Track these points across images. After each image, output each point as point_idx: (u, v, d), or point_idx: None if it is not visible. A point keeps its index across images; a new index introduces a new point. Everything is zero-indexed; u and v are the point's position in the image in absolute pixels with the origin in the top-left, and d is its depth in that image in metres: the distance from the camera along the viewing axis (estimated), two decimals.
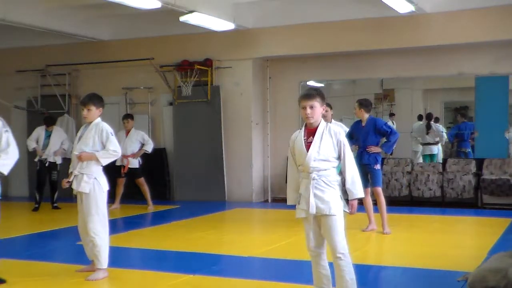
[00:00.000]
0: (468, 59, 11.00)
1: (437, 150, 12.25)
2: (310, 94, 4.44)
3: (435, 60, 11.18)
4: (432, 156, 12.24)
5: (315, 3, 11.05)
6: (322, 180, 4.34)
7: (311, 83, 12.52)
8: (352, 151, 5.04)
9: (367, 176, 7.77)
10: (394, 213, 8.56)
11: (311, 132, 4.45)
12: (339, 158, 4.41)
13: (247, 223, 9.91)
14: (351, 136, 7.83)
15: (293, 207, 4.56)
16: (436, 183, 10.79)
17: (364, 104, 8.03)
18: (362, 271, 5.28)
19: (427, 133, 12.12)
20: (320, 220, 4.36)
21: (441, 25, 10.49)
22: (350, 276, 4.31)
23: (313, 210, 4.31)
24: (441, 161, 11.75)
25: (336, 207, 4.34)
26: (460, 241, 7.86)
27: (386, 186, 10.78)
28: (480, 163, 10.94)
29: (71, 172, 5.75)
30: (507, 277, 4.34)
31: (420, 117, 12.41)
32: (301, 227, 8.60)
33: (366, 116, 7.97)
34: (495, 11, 10.16)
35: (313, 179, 4.32)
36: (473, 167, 10.92)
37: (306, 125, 4.50)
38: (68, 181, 5.73)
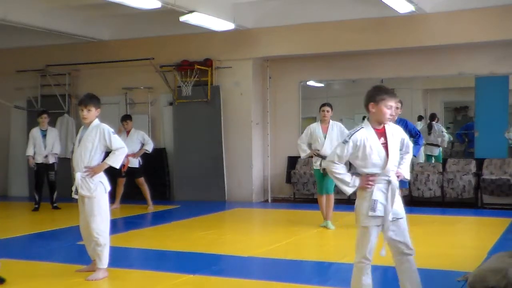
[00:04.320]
0: (468, 59, 11.00)
1: (438, 151, 12.21)
2: (394, 93, 4.20)
3: (435, 60, 11.18)
4: (435, 158, 12.20)
5: (315, 3, 11.05)
6: (395, 183, 4.17)
7: (311, 83, 12.53)
8: None
9: None
10: None
11: (380, 132, 4.18)
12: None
13: (247, 223, 9.91)
14: None
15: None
16: (436, 183, 10.79)
17: (401, 103, 8.10)
18: None
19: (429, 134, 12.11)
20: (391, 223, 4.18)
21: (441, 25, 10.49)
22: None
23: (389, 216, 4.12)
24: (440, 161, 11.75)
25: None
26: (460, 241, 7.87)
27: None
28: (480, 163, 10.93)
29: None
30: (507, 277, 4.35)
31: (420, 118, 12.39)
32: (301, 227, 8.67)
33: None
34: (495, 11, 10.16)
35: (393, 184, 4.14)
36: (473, 167, 10.92)
37: (369, 124, 4.21)
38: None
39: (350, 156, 4.19)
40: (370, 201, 4.13)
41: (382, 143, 4.14)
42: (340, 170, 4.19)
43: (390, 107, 4.16)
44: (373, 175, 4.14)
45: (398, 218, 4.20)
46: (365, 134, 4.15)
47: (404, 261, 4.31)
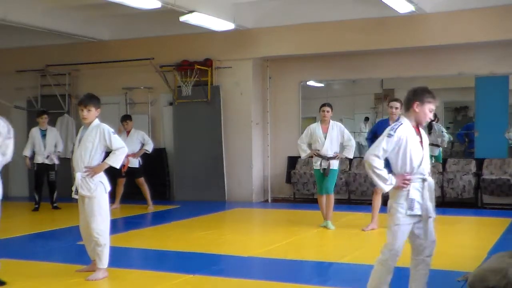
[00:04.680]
0: (468, 59, 11.00)
1: (438, 152, 12.18)
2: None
3: (435, 60, 11.18)
4: (436, 158, 12.17)
5: (315, 3, 11.05)
6: (431, 181, 4.19)
7: (311, 83, 12.53)
8: None
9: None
10: None
11: (417, 131, 4.20)
12: None
13: (247, 223, 9.91)
14: (375, 136, 7.74)
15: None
16: (436, 183, 10.73)
17: (401, 103, 8.05)
18: (362, 271, 5.28)
19: (429, 134, 12.09)
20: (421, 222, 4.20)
21: (441, 25, 10.50)
22: None
23: (429, 213, 4.13)
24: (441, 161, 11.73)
25: None
26: (460, 241, 7.86)
27: None
28: (480, 163, 10.93)
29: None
30: (507, 277, 4.35)
31: None
32: (301, 227, 8.66)
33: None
34: (495, 11, 10.16)
35: (429, 181, 4.16)
36: (473, 167, 10.92)
37: (408, 121, 4.19)
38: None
39: (391, 151, 4.13)
40: (407, 200, 4.12)
41: (419, 141, 4.16)
42: (380, 165, 4.10)
43: (431, 111, 4.18)
44: (408, 173, 4.12)
45: (429, 217, 4.20)
46: (407, 130, 4.13)
47: (420, 262, 4.31)
